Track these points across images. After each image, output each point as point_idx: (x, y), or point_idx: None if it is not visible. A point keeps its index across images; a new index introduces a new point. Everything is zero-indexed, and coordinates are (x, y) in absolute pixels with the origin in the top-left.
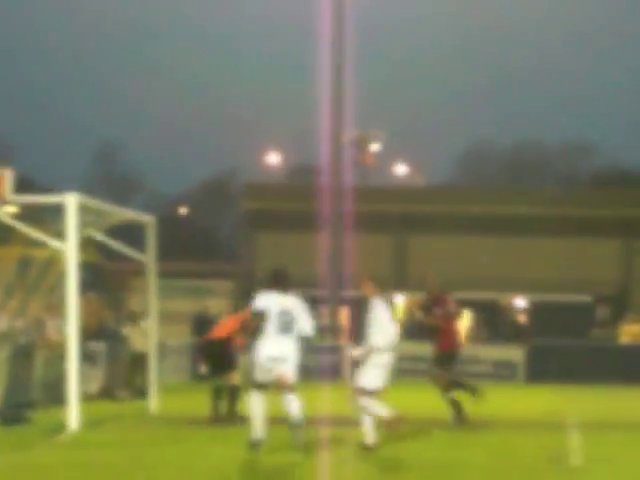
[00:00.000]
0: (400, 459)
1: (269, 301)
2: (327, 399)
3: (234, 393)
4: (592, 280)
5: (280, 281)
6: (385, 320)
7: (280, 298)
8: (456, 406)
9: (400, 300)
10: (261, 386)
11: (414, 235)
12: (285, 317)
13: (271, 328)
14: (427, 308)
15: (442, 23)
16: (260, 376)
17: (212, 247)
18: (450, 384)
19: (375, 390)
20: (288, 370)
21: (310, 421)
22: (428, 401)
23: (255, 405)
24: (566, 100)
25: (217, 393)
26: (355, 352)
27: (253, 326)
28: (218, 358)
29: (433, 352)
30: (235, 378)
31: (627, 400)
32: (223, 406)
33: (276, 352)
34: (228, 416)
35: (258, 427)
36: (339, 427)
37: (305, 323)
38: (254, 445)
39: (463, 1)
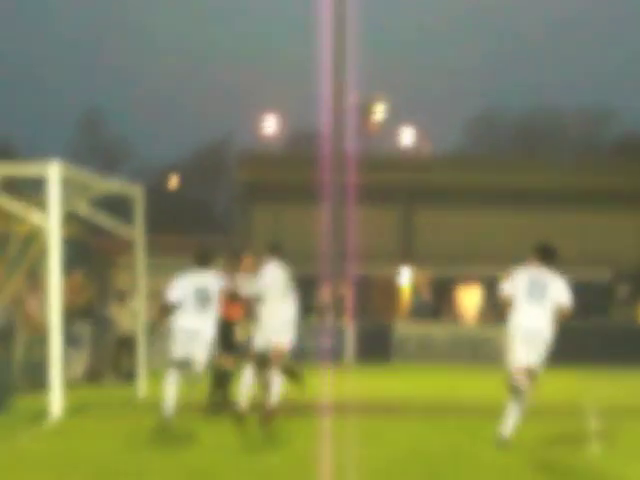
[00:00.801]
0: (407, 447)
1: (185, 283)
2: (328, 383)
3: (225, 378)
4: (611, 256)
5: (202, 259)
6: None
7: (198, 276)
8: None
9: (406, 277)
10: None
11: (421, 207)
12: (202, 294)
13: (189, 306)
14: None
15: None
16: (179, 353)
17: (205, 220)
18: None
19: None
20: (199, 349)
21: (311, 407)
22: (436, 385)
23: (168, 385)
24: (584, 64)
25: (218, 379)
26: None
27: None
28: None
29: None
30: (228, 362)
31: None
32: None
33: (192, 327)
34: (223, 403)
35: (169, 407)
36: (341, 413)
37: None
38: (162, 423)
39: None
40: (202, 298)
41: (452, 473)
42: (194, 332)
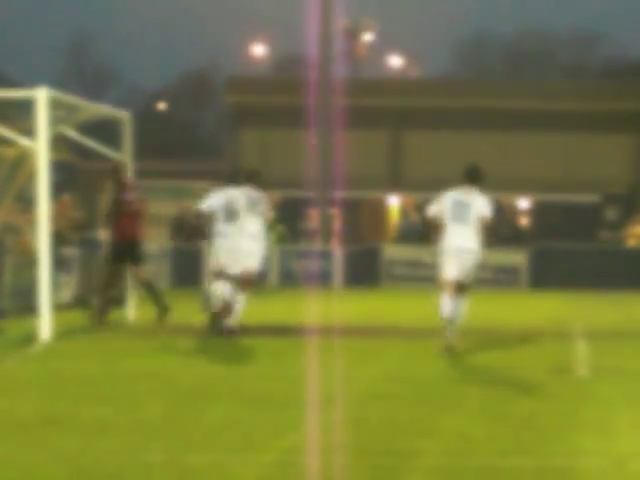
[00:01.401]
0: (396, 370)
1: (217, 197)
2: (316, 306)
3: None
4: (600, 179)
5: (231, 178)
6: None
7: (229, 192)
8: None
9: (395, 201)
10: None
11: (410, 131)
12: (230, 206)
13: (220, 218)
14: (115, 196)
15: None
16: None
17: (193, 144)
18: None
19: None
20: (250, 264)
21: (298, 328)
22: (424, 308)
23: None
24: None
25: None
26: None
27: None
28: None
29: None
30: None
31: (636, 307)
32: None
33: (230, 244)
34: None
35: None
36: (330, 336)
37: (261, 208)
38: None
39: None
40: (230, 211)
41: (440, 396)
42: (230, 242)
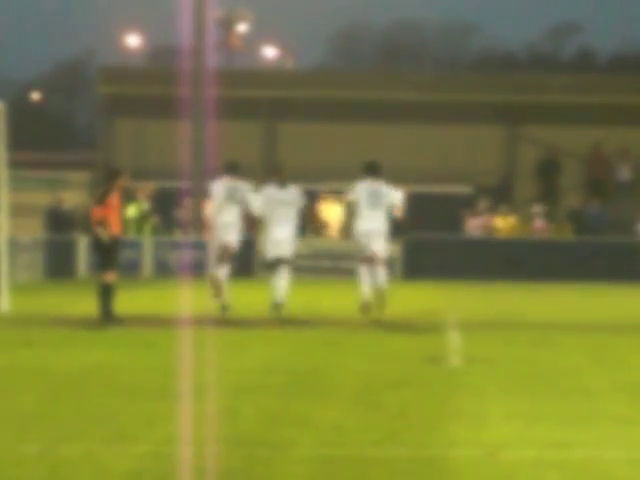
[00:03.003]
0: (270, 363)
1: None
2: (188, 296)
3: (108, 291)
4: (472, 170)
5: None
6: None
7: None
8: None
9: None
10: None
11: (284, 122)
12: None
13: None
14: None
15: None
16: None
17: (68, 135)
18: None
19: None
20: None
21: (172, 320)
22: (298, 299)
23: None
24: None
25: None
26: None
27: None
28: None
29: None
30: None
31: (507, 296)
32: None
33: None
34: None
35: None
36: (202, 326)
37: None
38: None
39: None
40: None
41: (314, 386)
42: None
